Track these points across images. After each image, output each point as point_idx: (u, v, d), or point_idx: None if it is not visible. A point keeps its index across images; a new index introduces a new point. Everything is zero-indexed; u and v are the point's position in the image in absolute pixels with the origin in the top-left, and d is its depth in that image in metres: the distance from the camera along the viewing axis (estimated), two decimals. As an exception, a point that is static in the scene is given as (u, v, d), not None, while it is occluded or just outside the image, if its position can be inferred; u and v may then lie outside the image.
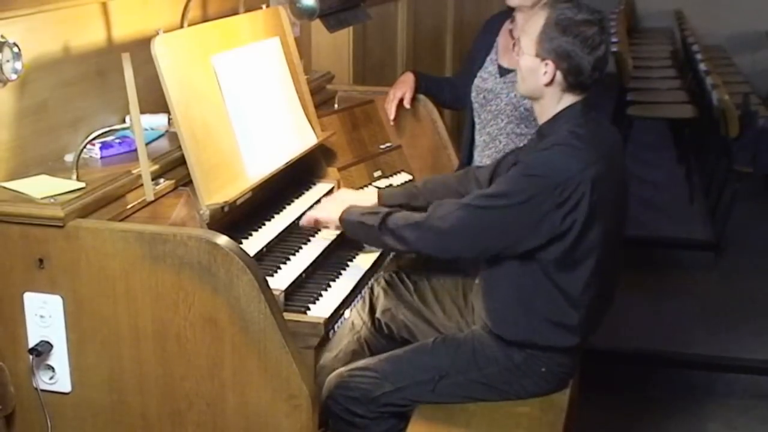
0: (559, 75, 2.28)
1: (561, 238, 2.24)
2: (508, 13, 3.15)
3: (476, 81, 3.16)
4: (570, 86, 2.30)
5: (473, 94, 3.16)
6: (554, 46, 2.25)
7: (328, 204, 2.61)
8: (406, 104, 3.29)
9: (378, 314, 2.72)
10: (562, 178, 2.21)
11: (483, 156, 3.15)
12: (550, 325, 2.33)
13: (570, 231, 2.23)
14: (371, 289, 2.74)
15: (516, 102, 3.03)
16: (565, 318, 2.32)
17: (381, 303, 2.73)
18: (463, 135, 3.27)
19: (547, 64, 2.28)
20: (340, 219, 2.46)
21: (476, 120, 3.17)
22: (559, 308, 2.31)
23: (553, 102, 2.33)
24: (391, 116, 3.31)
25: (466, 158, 3.23)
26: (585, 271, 2.29)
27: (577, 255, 2.27)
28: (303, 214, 2.69)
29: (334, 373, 2.45)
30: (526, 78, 2.34)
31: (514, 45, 2.38)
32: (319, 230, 2.63)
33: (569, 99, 2.32)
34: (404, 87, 3.30)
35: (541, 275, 2.29)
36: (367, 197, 2.68)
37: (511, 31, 3.13)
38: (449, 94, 3.38)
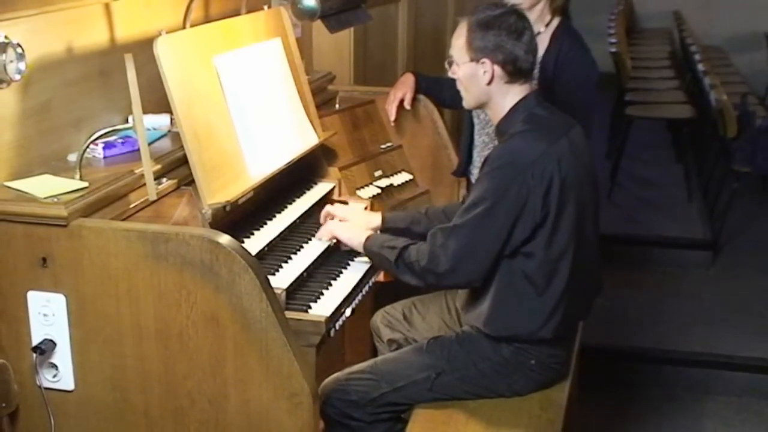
0: (497, 69, 2.32)
1: (542, 224, 2.26)
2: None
3: (475, 81, 3.17)
4: (511, 75, 2.33)
5: (472, 95, 3.17)
6: (484, 43, 2.31)
7: (348, 228, 2.58)
8: (407, 105, 3.30)
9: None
10: (529, 161, 2.24)
11: (482, 156, 3.14)
12: (533, 317, 2.34)
13: (549, 214, 2.25)
14: (375, 330, 2.79)
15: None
16: (547, 309, 2.33)
17: (385, 337, 2.76)
18: (462, 135, 3.28)
19: (483, 63, 2.32)
20: (364, 248, 2.48)
21: (475, 121, 3.18)
22: (540, 299, 2.32)
23: (502, 98, 2.36)
24: (392, 117, 3.32)
25: (466, 158, 3.24)
26: (564, 258, 2.30)
27: (557, 242, 2.28)
28: (303, 213, 2.71)
29: (330, 378, 2.47)
30: (469, 87, 2.38)
31: (450, 64, 2.41)
32: (320, 229, 2.65)
33: (517, 91, 2.35)
34: (404, 88, 3.31)
35: (521, 267, 2.31)
36: (371, 218, 2.67)
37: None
38: (449, 94, 3.37)
